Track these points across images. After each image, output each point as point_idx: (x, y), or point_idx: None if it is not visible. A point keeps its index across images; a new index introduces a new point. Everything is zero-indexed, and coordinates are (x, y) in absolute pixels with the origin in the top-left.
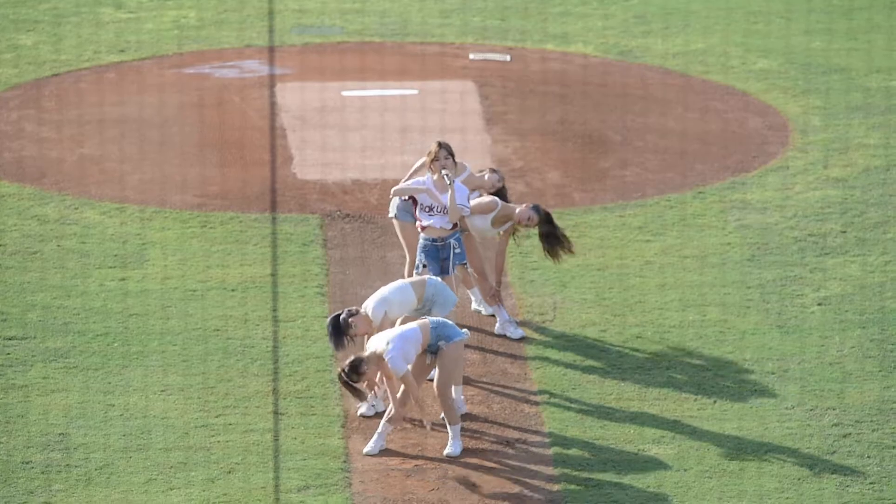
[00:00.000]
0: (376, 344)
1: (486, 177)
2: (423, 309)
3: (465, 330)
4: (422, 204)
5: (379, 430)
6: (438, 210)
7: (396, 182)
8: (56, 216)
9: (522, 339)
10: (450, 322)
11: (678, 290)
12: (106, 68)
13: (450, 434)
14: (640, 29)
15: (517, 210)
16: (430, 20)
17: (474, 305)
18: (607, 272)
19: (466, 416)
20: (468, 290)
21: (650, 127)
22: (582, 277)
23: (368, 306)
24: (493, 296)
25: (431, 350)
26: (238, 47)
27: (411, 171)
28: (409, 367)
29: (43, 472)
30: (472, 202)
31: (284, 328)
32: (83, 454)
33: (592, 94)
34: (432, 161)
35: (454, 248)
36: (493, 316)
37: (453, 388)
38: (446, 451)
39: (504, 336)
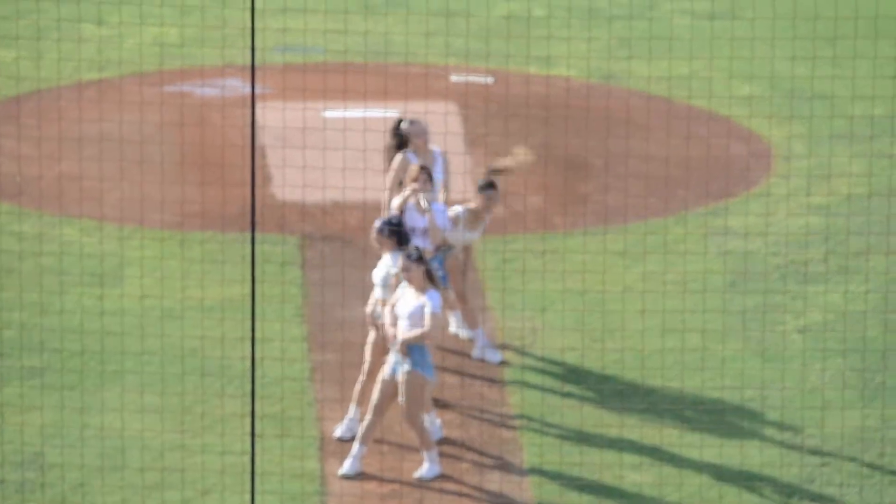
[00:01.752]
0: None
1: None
2: None
3: (435, 374)
4: (406, 225)
5: (353, 451)
6: (420, 232)
7: (377, 203)
8: (34, 233)
9: (502, 364)
10: (429, 357)
11: (659, 316)
12: (86, 85)
13: (424, 458)
14: (623, 53)
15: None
16: (413, 41)
17: (453, 328)
18: (587, 297)
19: (443, 441)
20: (449, 313)
21: (633, 151)
22: (562, 302)
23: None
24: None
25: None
26: (219, 66)
27: (388, 186)
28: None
29: (17, 492)
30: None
31: (262, 349)
32: (58, 473)
33: (575, 117)
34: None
35: (436, 270)
36: (473, 340)
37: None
38: (417, 474)
39: (483, 360)
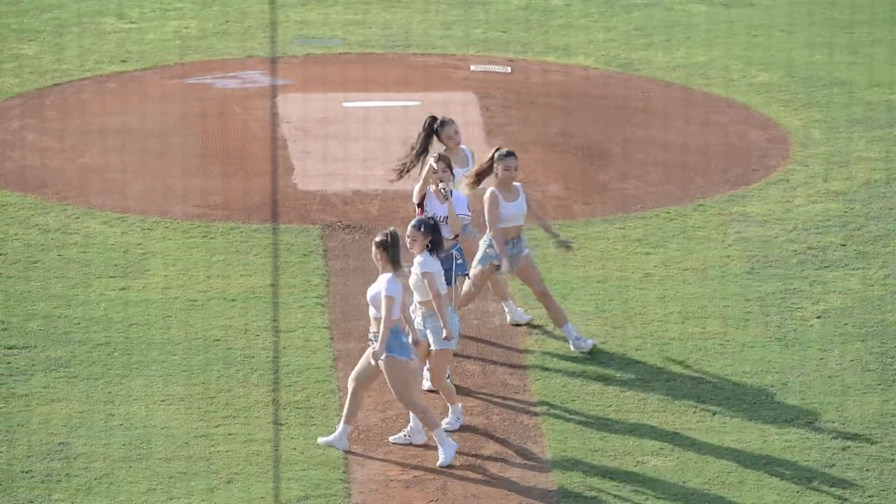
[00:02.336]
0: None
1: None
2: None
3: (414, 357)
4: (426, 212)
5: (338, 431)
6: (441, 219)
7: (397, 193)
8: (57, 226)
9: (524, 351)
10: (402, 337)
11: (678, 303)
12: (108, 78)
13: (436, 441)
14: (641, 41)
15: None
16: (432, 32)
17: (510, 319)
18: (608, 284)
19: (466, 428)
20: (503, 303)
21: (651, 139)
22: (582, 289)
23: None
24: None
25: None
26: (240, 58)
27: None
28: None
29: (43, 482)
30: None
31: (285, 338)
32: (84, 463)
33: (593, 106)
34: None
35: (456, 258)
36: (528, 324)
37: (450, 407)
38: (439, 463)
39: (579, 349)
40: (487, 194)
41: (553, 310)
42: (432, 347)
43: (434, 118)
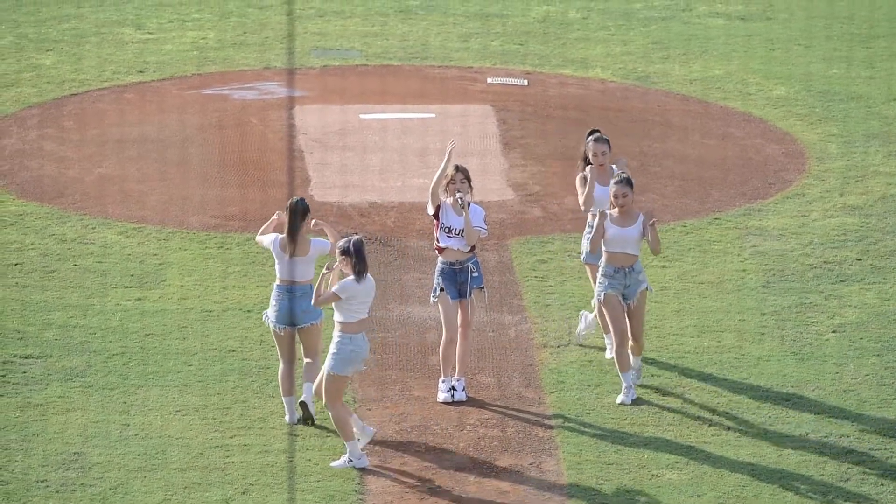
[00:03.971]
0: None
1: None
2: None
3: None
4: (442, 224)
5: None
6: (457, 231)
7: (414, 204)
8: (74, 235)
9: (540, 364)
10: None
11: (694, 316)
12: (125, 88)
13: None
14: (659, 55)
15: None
16: (450, 44)
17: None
18: None
19: (481, 439)
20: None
21: (668, 153)
22: None
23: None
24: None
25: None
26: (257, 69)
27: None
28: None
29: (58, 491)
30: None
31: (299, 349)
32: (99, 473)
33: (611, 119)
34: (448, 184)
35: (472, 271)
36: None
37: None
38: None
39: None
40: (599, 212)
41: (626, 355)
42: (325, 368)
43: (593, 131)
